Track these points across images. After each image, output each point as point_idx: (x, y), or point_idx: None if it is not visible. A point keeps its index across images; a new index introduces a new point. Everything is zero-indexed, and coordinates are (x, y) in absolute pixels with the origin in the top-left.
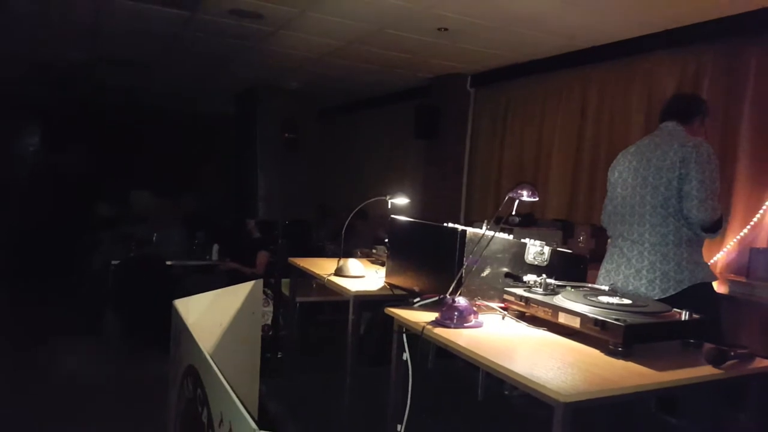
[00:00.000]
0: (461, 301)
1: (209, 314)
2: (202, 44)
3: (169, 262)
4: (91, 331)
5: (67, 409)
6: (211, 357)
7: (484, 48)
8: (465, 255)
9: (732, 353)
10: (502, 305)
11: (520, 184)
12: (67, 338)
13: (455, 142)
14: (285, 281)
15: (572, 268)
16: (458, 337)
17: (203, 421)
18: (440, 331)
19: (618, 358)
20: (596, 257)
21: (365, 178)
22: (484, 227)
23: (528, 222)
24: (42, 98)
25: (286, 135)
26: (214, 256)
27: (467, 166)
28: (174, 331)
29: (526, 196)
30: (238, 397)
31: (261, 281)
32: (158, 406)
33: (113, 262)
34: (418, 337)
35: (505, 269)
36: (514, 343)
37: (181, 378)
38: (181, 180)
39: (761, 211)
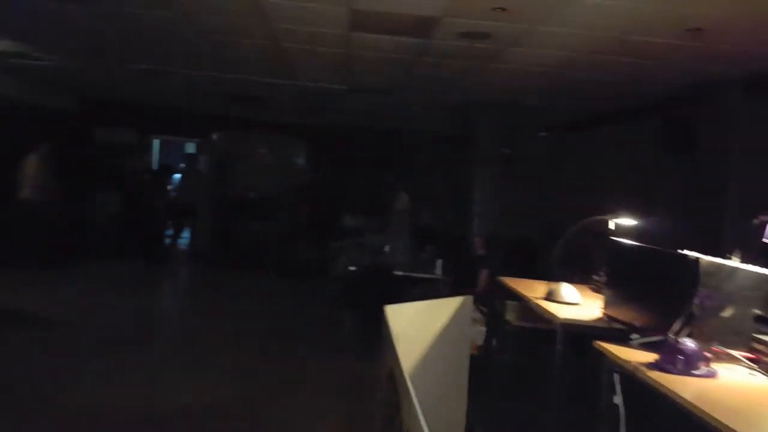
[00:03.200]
0: (689, 343)
1: (417, 323)
2: (434, 68)
3: (397, 272)
4: (324, 330)
5: (289, 403)
6: (414, 366)
7: (753, 48)
8: (698, 289)
9: None
10: (751, 356)
11: None
12: (304, 334)
13: (715, 158)
14: (511, 303)
15: None
16: (682, 386)
17: (397, 426)
18: (657, 376)
19: None
20: None
21: (600, 196)
22: (734, 258)
23: None
24: (307, 122)
25: (505, 151)
26: (438, 271)
27: (731, 187)
28: (383, 335)
29: None
30: (421, 411)
31: (471, 297)
32: (369, 406)
33: (350, 268)
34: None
35: (757, 311)
36: (762, 404)
37: (384, 382)
38: (415, 195)
39: None
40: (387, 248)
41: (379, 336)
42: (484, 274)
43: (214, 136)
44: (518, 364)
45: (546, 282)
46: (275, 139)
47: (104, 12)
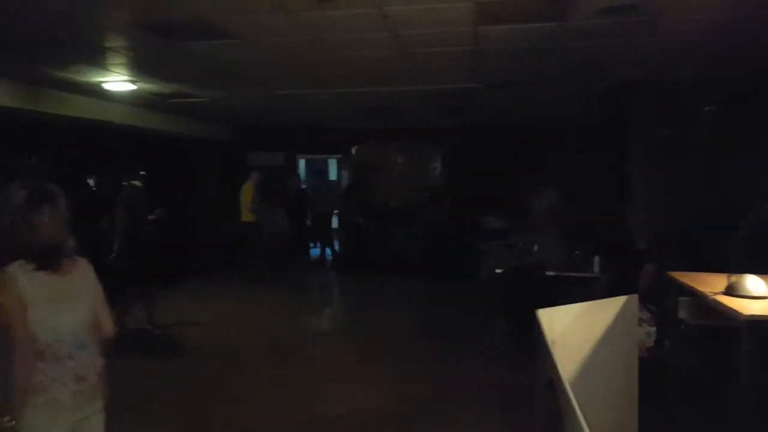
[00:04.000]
0: None
1: (576, 327)
2: (573, 52)
3: (549, 273)
4: (473, 335)
5: (441, 412)
6: (575, 373)
7: None
8: None
9: None
10: None
11: None
12: (452, 341)
13: None
14: (684, 300)
15: None
16: None
17: None
18: None
19: None
20: None
21: None
22: None
23: None
24: (442, 125)
25: (664, 132)
26: (596, 268)
27: None
28: (538, 341)
29: None
30: (585, 421)
31: (635, 297)
32: (528, 414)
33: (497, 270)
34: None
35: None
36: None
37: (543, 389)
38: (564, 189)
39: None
40: (536, 248)
41: (532, 341)
42: (649, 270)
43: (353, 150)
44: (696, 367)
45: (725, 274)
46: (412, 145)
47: (247, 44)
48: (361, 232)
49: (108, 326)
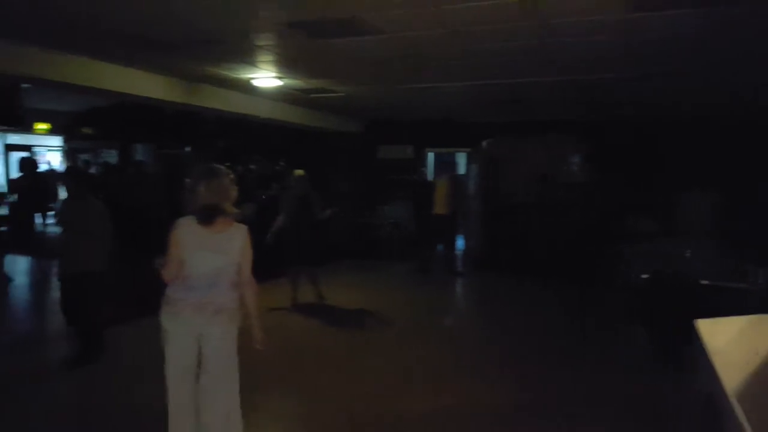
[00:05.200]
0: None
1: (741, 341)
2: (745, 41)
3: (703, 282)
4: (611, 344)
5: (575, 426)
6: (737, 390)
7: None
8: None
9: None
10: None
11: None
12: (588, 349)
13: None
14: None
15: None
16: None
17: None
18: None
19: None
20: None
21: None
22: None
23: None
24: (583, 118)
25: None
26: (760, 280)
27: None
28: (694, 353)
29: None
30: None
31: None
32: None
33: (643, 276)
34: None
35: None
36: None
37: (700, 404)
38: (725, 192)
39: None
40: (688, 254)
41: (677, 354)
42: None
43: (485, 143)
44: None
45: None
46: (548, 138)
47: (390, 39)
48: (498, 229)
49: (246, 276)
